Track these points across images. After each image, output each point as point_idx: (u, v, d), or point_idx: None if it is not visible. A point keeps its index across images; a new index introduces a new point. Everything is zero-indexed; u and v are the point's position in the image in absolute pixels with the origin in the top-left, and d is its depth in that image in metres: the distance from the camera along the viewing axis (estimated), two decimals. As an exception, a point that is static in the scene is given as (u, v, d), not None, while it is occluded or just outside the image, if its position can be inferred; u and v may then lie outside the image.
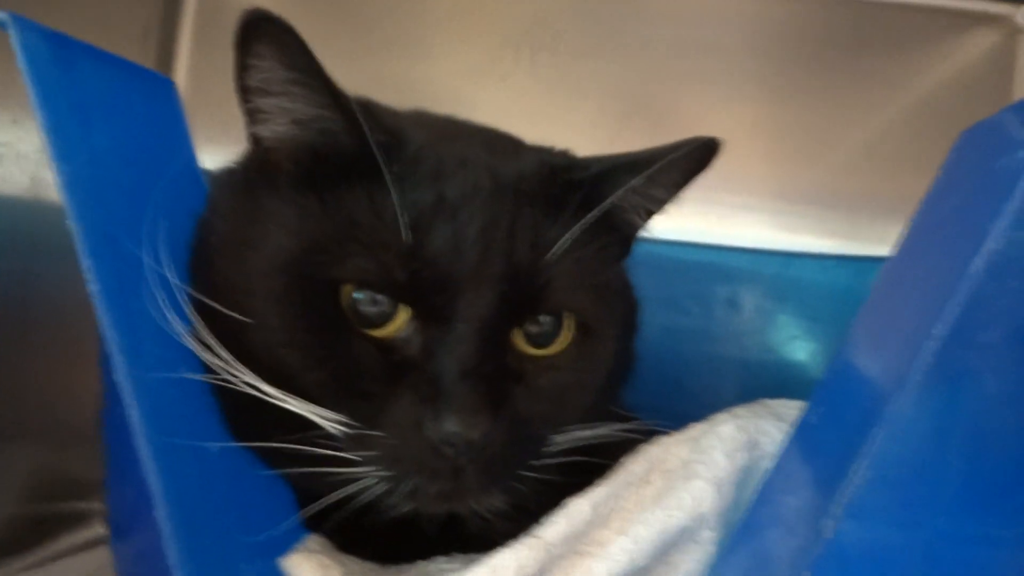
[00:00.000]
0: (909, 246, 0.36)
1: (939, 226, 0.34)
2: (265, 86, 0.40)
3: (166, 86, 0.41)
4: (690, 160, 0.45)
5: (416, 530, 0.42)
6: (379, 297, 0.39)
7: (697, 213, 0.89)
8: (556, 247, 0.41)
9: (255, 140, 0.43)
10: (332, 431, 0.38)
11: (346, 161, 0.40)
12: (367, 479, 0.38)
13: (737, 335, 0.78)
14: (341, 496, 0.38)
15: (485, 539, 0.41)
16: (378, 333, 0.40)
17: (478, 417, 0.37)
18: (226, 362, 0.38)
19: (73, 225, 0.32)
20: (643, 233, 0.50)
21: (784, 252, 0.80)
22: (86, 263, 0.32)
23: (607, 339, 0.45)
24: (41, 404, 0.78)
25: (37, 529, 0.78)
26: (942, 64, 0.87)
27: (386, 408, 0.38)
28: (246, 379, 0.38)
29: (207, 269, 0.41)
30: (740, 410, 0.43)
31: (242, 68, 0.40)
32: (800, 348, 0.77)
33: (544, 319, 0.42)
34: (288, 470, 0.40)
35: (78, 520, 0.82)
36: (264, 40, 0.39)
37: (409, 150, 0.41)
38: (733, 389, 0.78)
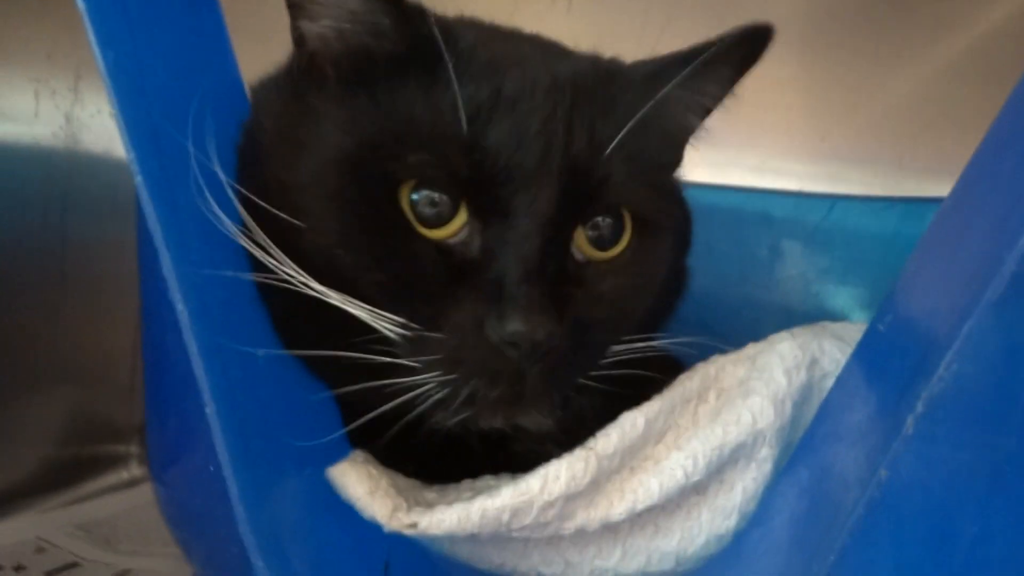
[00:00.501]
0: (988, 151, 0.34)
1: (1018, 138, 0.32)
2: None
3: (206, -10, 0.40)
4: (741, 49, 0.43)
5: (463, 451, 0.41)
6: (438, 196, 0.38)
7: (736, 160, 0.87)
8: (614, 142, 0.40)
9: (300, 40, 0.42)
10: (390, 335, 0.37)
11: (397, 58, 0.39)
12: (426, 385, 0.37)
13: (780, 280, 0.76)
14: (397, 403, 0.37)
15: (532, 463, 0.40)
16: (437, 234, 0.38)
17: (542, 317, 0.36)
18: (280, 262, 0.37)
19: (116, 114, 0.32)
20: (699, 132, 0.49)
21: (828, 195, 0.78)
22: (130, 155, 0.32)
23: (664, 240, 0.44)
24: (77, 351, 0.79)
25: (74, 469, 0.79)
26: (987, 12, 0.84)
27: (446, 310, 0.37)
28: (301, 279, 0.36)
29: (257, 173, 0.40)
30: (799, 330, 0.41)
31: None
32: (845, 293, 0.75)
33: (604, 221, 0.41)
34: (341, 381, 0.39)
35: (113, 462, 0.84)
36: None
37: (462, 45, 0.40)
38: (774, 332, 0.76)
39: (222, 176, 0.35)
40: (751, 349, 0.41)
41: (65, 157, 0.74)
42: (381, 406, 0.37)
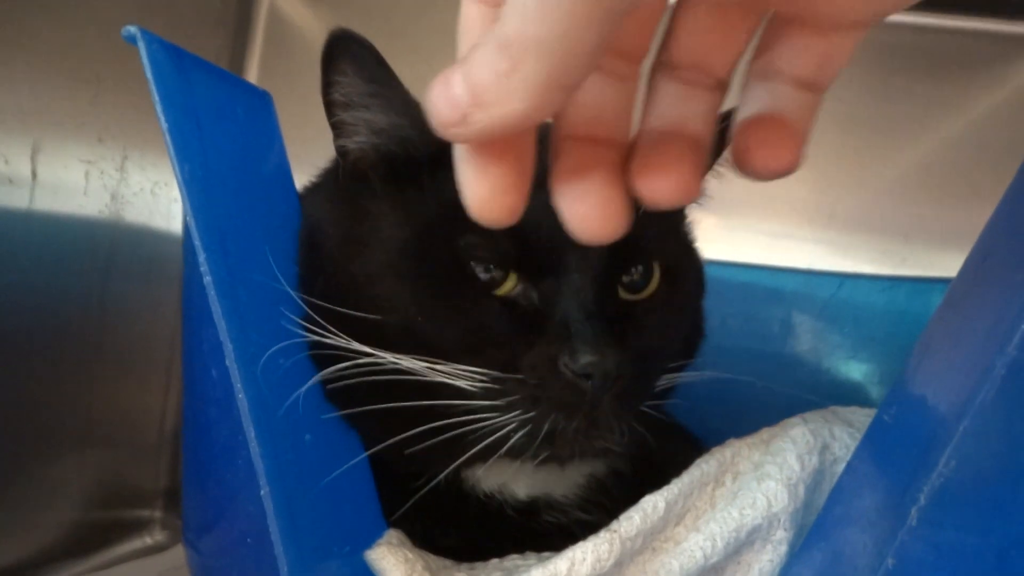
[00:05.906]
0: (989, 244, 0.36)
1: (1005, 244, 0.35)
2: (348, 100, 0.44)
3: (264, 98, 0.44)
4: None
5: (493, 526, 0.43)
6: (491, 267, 0.42)
7: (747, 237, 0.89)
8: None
9: (343, 152, 0.46)
10: (470, 388, 0.40)
11: (432, 155, 0.43)
12: (507, 427, 0.40)
13: (791, 356, 0.78)
14: (486, 444, 0.40)
15: (559, 537, 0.42)
16: (498, 292, 0.43)
17: (610, 349, 0.40)
18: (357, 352, 0.40)
19: (190, 220, 0.35)
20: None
21: (838, 273, 0.80)
22: (202, 256, 0.35)
23: (688, 283, 0.50)
24: (108, 415, 0.81)
25: (100, 534, 0.81)
26: (995, 89, 0.87)
27: (520, 355, 0.41)
28: (388, 359, 0.40)
29: (323, 275, 0.44)
30: (811, 415, 0.44)
31: (327, 84, 0.43)
32: (854, 369, 0.77)
33: (636, 269, 0.46)
34: (422, 439, 0.41)
35: (137, 527, 0.85)
36: (347, 57, 0.42)
37: None
38: (786, 410, 0.78)
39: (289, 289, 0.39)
40: (765, 433, 0.43)
41: (108, 231, 0.78)
42: (458, 458, 0.41)
